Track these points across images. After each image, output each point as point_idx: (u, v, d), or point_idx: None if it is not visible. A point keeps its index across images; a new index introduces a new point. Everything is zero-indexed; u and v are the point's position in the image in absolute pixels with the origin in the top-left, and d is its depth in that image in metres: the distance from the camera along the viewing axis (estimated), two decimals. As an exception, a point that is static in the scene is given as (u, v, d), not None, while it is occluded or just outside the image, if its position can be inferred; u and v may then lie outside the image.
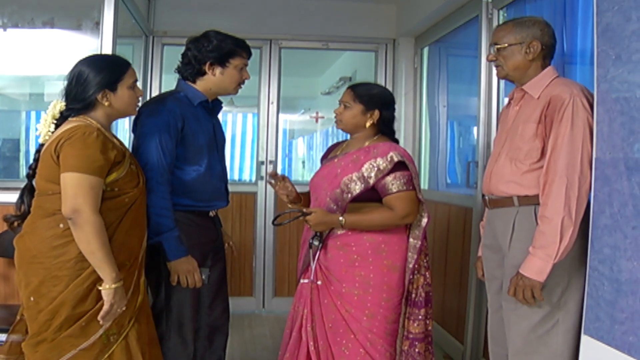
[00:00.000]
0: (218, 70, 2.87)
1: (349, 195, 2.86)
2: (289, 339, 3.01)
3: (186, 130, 2.80)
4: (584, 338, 2.13)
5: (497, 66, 2.59)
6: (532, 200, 2.42)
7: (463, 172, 4.60)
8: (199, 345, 3.11)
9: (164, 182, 2.71)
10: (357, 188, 2.85)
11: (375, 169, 2.83)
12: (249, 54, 2.93)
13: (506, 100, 2.76)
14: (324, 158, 3.19)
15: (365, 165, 2.85)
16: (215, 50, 2.85)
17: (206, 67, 2.86)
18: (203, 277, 2.81)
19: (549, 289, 2.34)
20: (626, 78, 1.93)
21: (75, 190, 2.26)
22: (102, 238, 2.30)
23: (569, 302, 2.36)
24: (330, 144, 3.27)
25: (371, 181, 2.83)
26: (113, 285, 2.33)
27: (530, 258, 2.32)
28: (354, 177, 2.86)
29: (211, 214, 3.00)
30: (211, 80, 2.89)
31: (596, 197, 2.08)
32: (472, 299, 3.84)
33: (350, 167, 2.90)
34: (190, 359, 2.96)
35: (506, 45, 2.49)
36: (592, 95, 2.29)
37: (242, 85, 2.96)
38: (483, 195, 2.71)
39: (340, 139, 3.28)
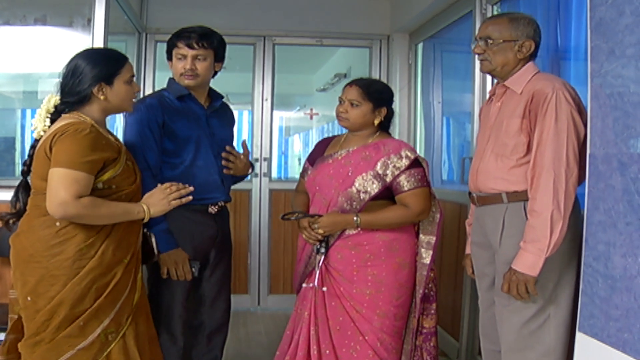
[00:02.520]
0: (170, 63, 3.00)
1: (367, 195, 2.85)
2: (290, 341, 2.99)
3: (168, 124, 2.87)
4: (579, 335, 2.12)
5: (482, 60, 2.56)
6: (520, 196, 2.42)
7: (458, 168, 4.58)
8: (197, 344, 3.13)
9: (150, 176, 2.74)
10: (375, 187, 2.84)
11: (391, 166, 2.83)
12: (185, 41, 2.88)
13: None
14: (316, 156, 3.12)
15: (379, 163, 2.85)
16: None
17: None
18: (193, 269, 2.83)
19: (540, 285, 2.34)
20: (620, 73, 1.91)
21: (57, 184, 2.23)
22: (105, 207, 2.33)
23: (560, 297, 2.38)
24: (327, 140, 3.22)
25: (388, 179, 2.83)
26: (146, 211, 2.45)
27: (522, 253, 2.32)
28: (370, 176, 2.84)
29: (211, 210, 2.99)
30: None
31: (590, 193, 2.06)
32: (468, 295, 3.82)
33: (362, 165, 2.88)
34: (181, 354, 2.97)
35: (500, 41, 2.47)
36: (574, 89, 2.34)
37: (184, 73, 2.90)
38: (470, 193, 2.70)
39: (337, 134, 3.24)
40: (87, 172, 2.27)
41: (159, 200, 2.48)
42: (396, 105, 5.15)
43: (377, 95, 2.93)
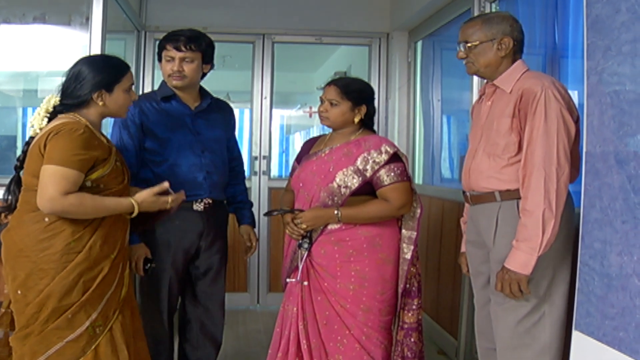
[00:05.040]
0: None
1: (347, 190, 2.87)
2: (280, 338, 3.01)
3: (147, 125, 3.03)
4: (575, 334, 2.11)
5: (467, 63, 2.57)
6: (513, 195, 2.42)
7: (457, 166, 4.58)
8: (191, 338, 3.24)
9: None
10: (355, 182, 2.86)
11: (371, 161, 2.85)
12: (173, 44, 2.99)
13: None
14: (302, 154, 3.17)
15: (360, 159, 2.87)
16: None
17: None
18: (146, 267, 2.92)
19: (534, 283, 2.35)
20: (616, 70, 1.90)
21: (47, 180, 2.32)
22: (92, 202, 2.39)
23: (554, 294, 2.39)
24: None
25: (368, 174, 2.85)
26: (137, 208, 2.50)
27: (514, 252, 2.32)
28: (350, 171, 2.87)
29: (196, 207, 3.08)
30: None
31: (586, 191, 2.05)
32: (466, 294, 3.82)
33: (343, 161, 2.90)
34: (167, 348, 3.16)
35: (477, 42, 2.49)
36: (563, 87, 2.35)
37: (172, 75, 3.02)
38: (464, 192, 2.70)
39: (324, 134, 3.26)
40: (77, 169, 2.35)
41: (150, 202, 2.56)
42: (395, 104, 5.25)
43: (355, 94, 2.96)
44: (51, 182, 2.30)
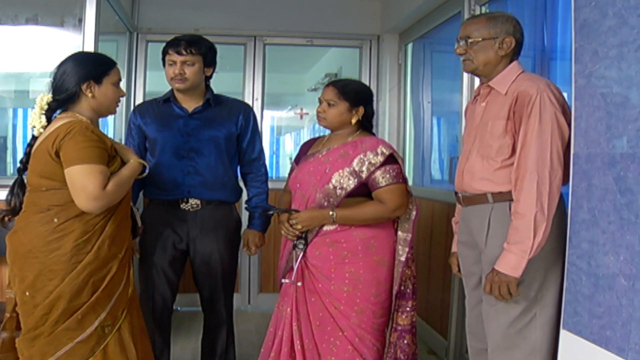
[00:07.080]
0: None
1: (343, 191, 2.87)
2: (274, 337, 3.01)
3: (142, 126, 3.25)
4: (563, 333, 2.14)
5: (465, 60, 2.56)
6: (506, 197, 2.41)
7: (447, 168, 4.60)
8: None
9: None
10: (350, 183, 2.86)
11: (367, 162, 2.85)
12: (174, 48, 3.11)
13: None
14: (301, 155, 3.17)
15: (356, 160, 2.87)
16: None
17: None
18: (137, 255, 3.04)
19: (526, 284, 2.35)
20: (603, 73, 1.94)
21: (82, 180, 2.31)
22: (122, 180, 2.45)
23: (546, 296, 2.37)
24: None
25: (364, 175, 2.85)
26: (141, 163, 2.62)
27: (505, 254, 2.32)
28: (346, 173, 2.87)
29: (183, 206, 3.18)
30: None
31: (574, 192, 2.09)
32: (456, 294, 3.84)
33: (339, 162, 2.90)
34: (160, 343, 3.23)
35: (480, 39, 2.47)
36: (558, 90, 2.33)
37: (174, 78, 3.13)
38: (456, 193, 2.71)
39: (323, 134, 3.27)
40: (103, 163, 2.38)
41: (129, 150, 2.66)
42: (386, 106, 5.27)
43: (353, 94, 2.96)
44: (89, 181, 2.30)
